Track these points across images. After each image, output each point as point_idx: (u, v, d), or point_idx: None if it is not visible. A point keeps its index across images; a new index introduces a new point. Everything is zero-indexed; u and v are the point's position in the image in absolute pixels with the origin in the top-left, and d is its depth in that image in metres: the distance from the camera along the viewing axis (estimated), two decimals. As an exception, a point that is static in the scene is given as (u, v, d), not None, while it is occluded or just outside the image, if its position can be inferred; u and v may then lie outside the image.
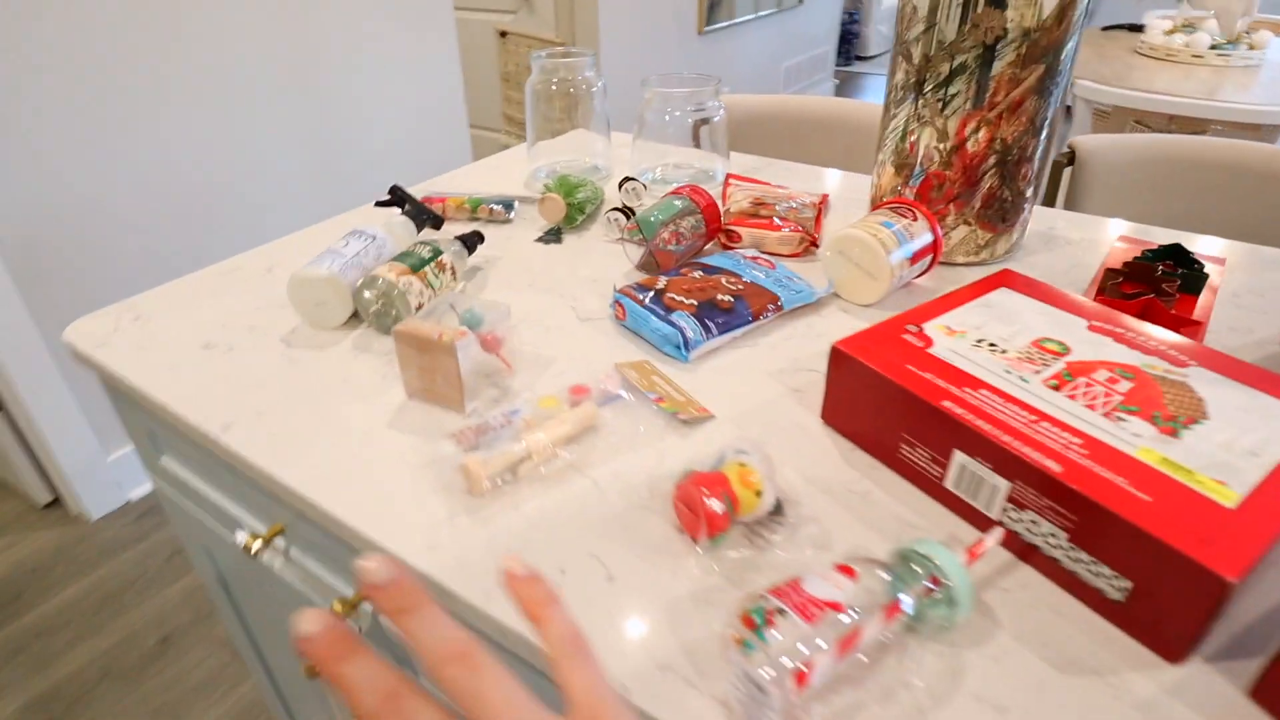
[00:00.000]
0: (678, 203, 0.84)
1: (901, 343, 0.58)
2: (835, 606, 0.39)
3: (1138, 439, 0.48)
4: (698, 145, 1.10)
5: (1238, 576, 0.39)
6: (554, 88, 1.07)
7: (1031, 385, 0.53)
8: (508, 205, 0.98)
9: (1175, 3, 2.64)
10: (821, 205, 0.99)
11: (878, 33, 5.61)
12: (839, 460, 0.58)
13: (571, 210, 0.93)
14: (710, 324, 0.70)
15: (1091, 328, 0.60)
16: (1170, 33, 2.43)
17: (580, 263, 0.88)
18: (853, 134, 1.45)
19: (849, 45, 5.46)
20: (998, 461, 0.48)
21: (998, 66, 0.76)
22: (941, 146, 0.82)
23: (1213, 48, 2.34)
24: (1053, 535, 0.47)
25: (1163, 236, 0.95)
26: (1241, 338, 0.74)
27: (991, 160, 0.81)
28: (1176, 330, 0.72)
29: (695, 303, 0.72)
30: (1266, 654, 0.43)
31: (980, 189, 0.83)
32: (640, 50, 3.17)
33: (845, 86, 5.06)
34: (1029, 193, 0.86)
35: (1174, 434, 0.49)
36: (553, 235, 0.93)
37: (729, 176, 1.07)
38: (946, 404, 0.51)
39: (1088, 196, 1.26)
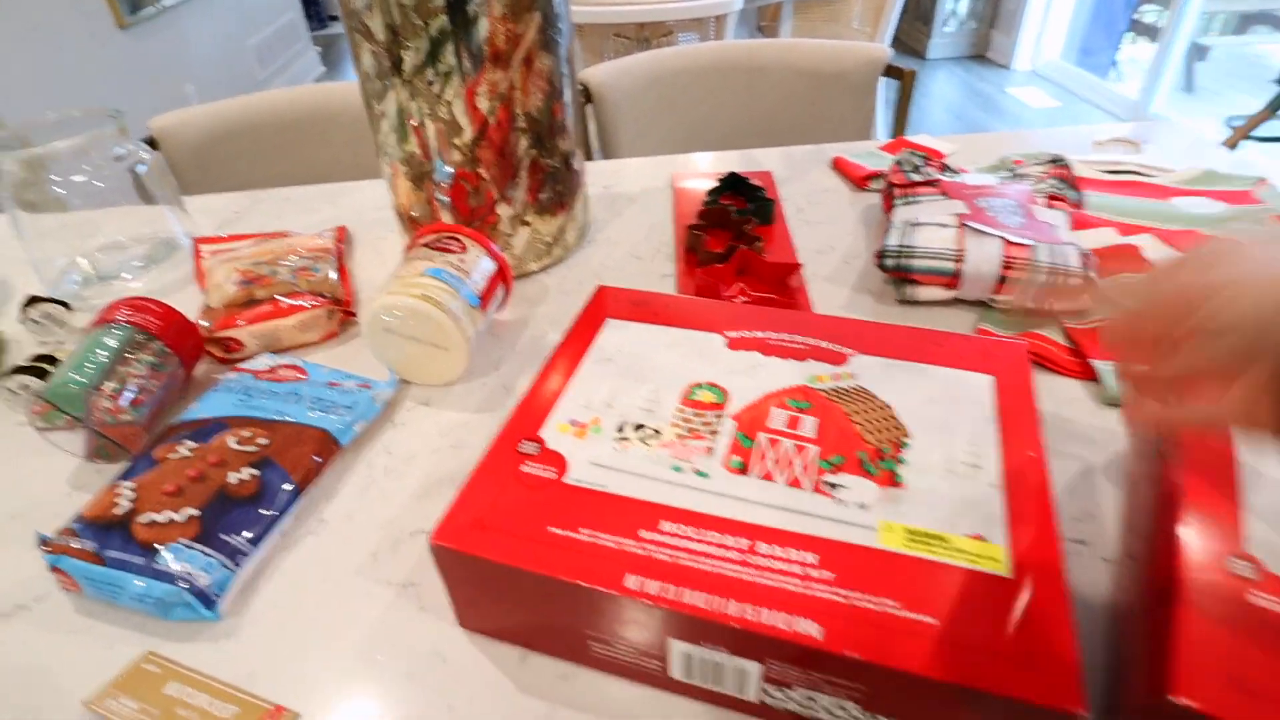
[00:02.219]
0: (110, 339, 0.53)
1: (524, 486, 0.38)
2: None
3: (868, 513, 0.36)
4: (137, 201, 0.76)
5: (1081, 706, 0.28)
6: None
7: (716, 480, 0.38)
8: None
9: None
10: (341, 246, 0.74)
11: (339, -13, 5.14)
12: (512, 692, 0.37)
13: (-71, 399, 0.55)
14: (233, 538, 0.43)
15: (731, 344, 0.47)
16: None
17: (-21, 487, 0.52)
18: (351, 125, 1.19)
19: (317, 6, 4.93)
20: (732, 642, 0.32)
21: (486, 24, 0.57)
22: (458, 140, 0.62)
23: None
24: (841, 708, 0.32)
25: (707, 162, 0.89)
26: (830, 259, 0.69)
27: (524, 142, 0.64)
28: (785, 279, 0.65)
29: (194, 510, 0.44)
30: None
31: (521, 178, 0.66)
32: (42, 70, 2.40)
33: (331, 52, 4.59)
34: (576, 163, 0.71)
35: (894, 479, 0.37)
36: (-89, 452, 0.55)
37: (198, 243, 0.75)
38: (631, 582, 0.33)
39: (617, 129, 1.19)
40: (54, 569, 0.42)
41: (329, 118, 1.19)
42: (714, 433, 0.40)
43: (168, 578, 0.41)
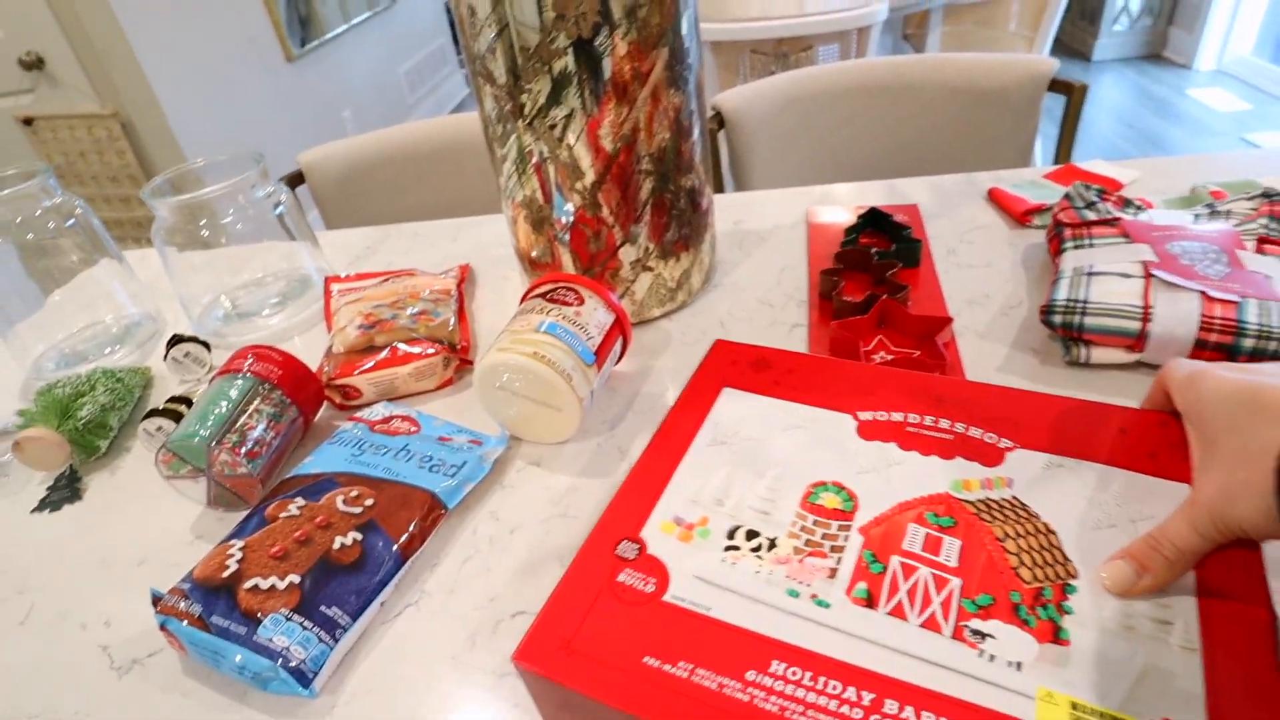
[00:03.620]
0: (233, 390, 0.53)
1: (619, 600, 0.34)
2: None
3: (1022, 676, 0.29)
4: (275, 239, 0.79)
5: None
6: (25, 238, 0.68)
7: (838, 613, 0.32)
8: (-30, 462, 0.60)
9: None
10: (462, 287, 0.73)
11: (484, 12, 5.39)
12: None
13: (82, 439, 0.58)
14: (332, 610, 0.42)
15: (863, 430, 0.41)
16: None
17: (116, 532, 0.54)
18: (483, 154, 1.20)
19: (461, 31, 5.19)
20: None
21: (610, 63, 0.54)
22: (579, 184, 0.60)
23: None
24: None
25: (846, 194, 0.83)
26: (985, 309, 0.61)
27: (647, 186, 0.60)
28: (933, 336, 0.58)
29: (297, 577, 0.43)
30: None
31: (645, 219, 0.62)
32: (220, 101, 2.64)
33: (472, 75, 4.81)
34: (704, 202, 0.66)
35: (1056, 634, 0.30)
36: (64, 489, 0.58)
37: (329, 282, 0.77)
38: None
39: (750, 156, 1.14)
40: (162, 629, 0.42)
41: (463, 148, 1.21)
42: (838, 549, 0.35)
43: (266, 652, 0.39)
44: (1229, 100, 3.15)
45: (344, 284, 0.75)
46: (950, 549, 0.34)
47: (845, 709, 0.29)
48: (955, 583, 0.33)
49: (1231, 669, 0.28)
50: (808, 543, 0.35)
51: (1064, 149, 1.03)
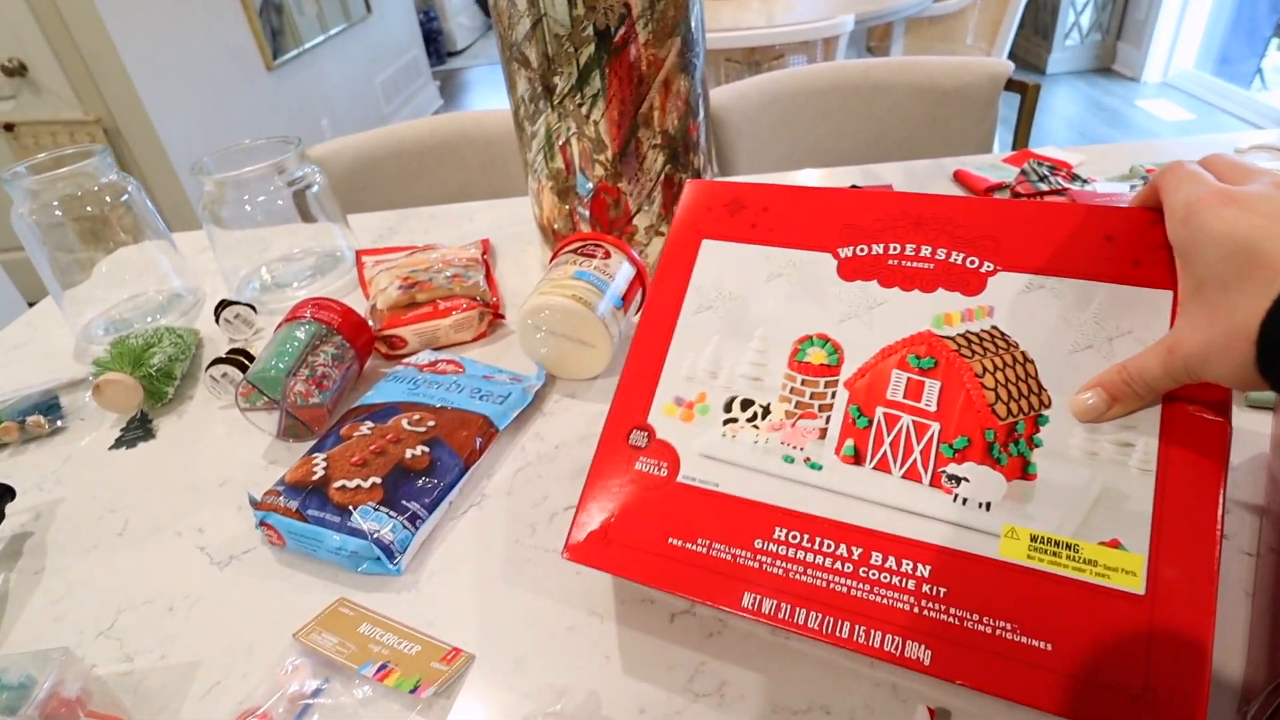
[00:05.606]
0: (300, 333, 0.60)
1: (639, 486, 0.40)
2: None
3: (990, 516, 0.34)
4: (307, 219, 0.85)
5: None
6: (59, 213, 0.74)
7: (829, 473, 0.37)
8: (48, 408, 0.66)
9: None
10: (486, 256, 0.81)
11: (460, 26, 5.46)
12: (664, 645, 0.41)
13: (152, 385, 0.64)
14: (412, 504, 0.49)
15: (843, 269, 0.41)
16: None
17: (193, 461, 0.60)
18: (484, 149, 1.28)
19: (436, 44, 5.25)
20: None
21: (632, 50, 0.62)
22: (602, 158, 0.67)
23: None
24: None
25: (826, 179, 0.92)
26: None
27: (660, 160, 0.68)
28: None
29: (378, 479, 0.50)
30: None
31: (657, 191, 0.70)
32: (203, 108, 2.67)
33: (448, 86, 4.87)
34: (707, 178, 0.75)
35: (1025, 469, 0.34)
36: (137, 429, 0.64)
37: (360, 255, 0.84)
38: (747, 600, 0.35)
39: (735, 149, 1.23)
40: (263, 524, 0.49)
41: (464, 144, 1.28)
42: (826, 408, 0.38)
43: (359, 534, 0.46)
44: (1174, 110, 3.33)
45: (376, 255, 0.82)
46: (931, 393, 0.36)
47: (838, 565, 0.35)
48: (935, 427, 0.36)
49: (1181, 486, 0.31)
50: (798, 405, 0.39)
51: (1020, 140, 1.13)
